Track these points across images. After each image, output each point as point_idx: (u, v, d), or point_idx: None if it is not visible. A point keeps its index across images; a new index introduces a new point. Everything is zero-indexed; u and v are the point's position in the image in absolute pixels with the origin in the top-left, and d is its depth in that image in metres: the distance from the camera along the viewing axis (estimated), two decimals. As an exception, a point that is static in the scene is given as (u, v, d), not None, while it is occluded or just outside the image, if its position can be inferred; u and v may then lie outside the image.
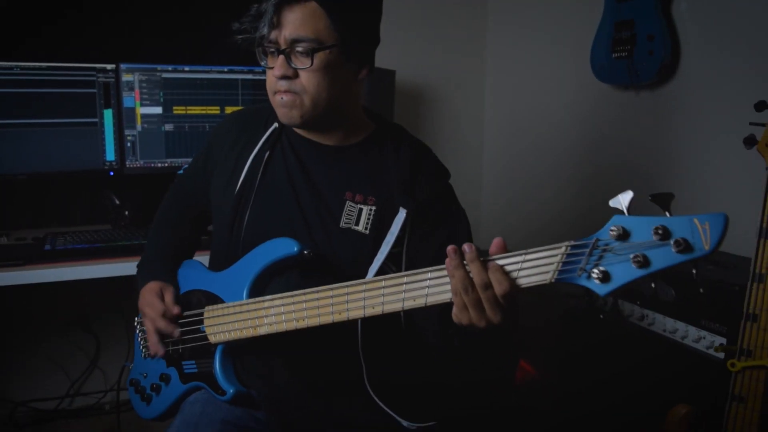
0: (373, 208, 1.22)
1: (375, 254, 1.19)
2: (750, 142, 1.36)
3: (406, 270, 1.16)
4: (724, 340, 1.57)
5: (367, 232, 1.21)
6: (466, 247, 0.92)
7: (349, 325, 1.17)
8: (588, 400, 1.89)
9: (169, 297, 1.31)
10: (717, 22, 1.97)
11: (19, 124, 2.14)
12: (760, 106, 1.37)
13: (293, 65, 1.14)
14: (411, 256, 1.20)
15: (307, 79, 1.14)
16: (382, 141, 1.28)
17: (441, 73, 2.97)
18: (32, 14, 2.25)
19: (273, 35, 1.13)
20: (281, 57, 1.13)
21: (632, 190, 0.85)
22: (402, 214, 1.20)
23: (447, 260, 0.94)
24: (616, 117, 2.36)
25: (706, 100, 2.02)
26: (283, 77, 1.14)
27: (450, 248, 0.93)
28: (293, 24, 1.11)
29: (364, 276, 1.16)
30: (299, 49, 1.12)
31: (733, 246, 1.42)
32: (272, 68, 1.16)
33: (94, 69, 2.20)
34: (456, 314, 0.95)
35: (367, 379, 1.21)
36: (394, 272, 1.18)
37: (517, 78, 2.89)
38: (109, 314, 2.55)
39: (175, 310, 1.29)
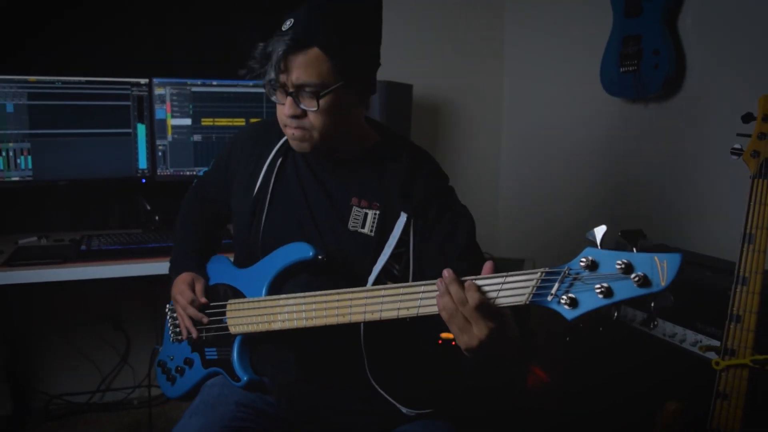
0: (377, 212, 1.31)
1: (379, 254, 1.29)
2: (736, 152, 1.43)
3: (413, 269, 1.28)
4: (718, 343, 1.62)
5: (372, 234, 1.30)
6: (444, 272, 1.02)
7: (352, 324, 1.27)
8: (588, 401, 1.95)
9: (199, 288, 1.44)
10: (721, 36, 2.01)
11: (60, 134, 2.29)
12: (746, 118, 1.44)
13: (302, 106, 1.22)
14: (416, 255, 1.28)
15: (315, 118, 1.22)
16: (384, 150, 1.37)
17: (457, 87, 3.04)
18: (71, 32, 2.41)
19: (281, 79, 1.20)
20: (290, 98, 1.21)
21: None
22: (402, 218, 1.29)
23: (438, 280, 1.03)
24: (625, 129, 2.40)
25: (711, 112, 2.06)
26: (293, 116, 1.23)
27: (444, 270, 1.02)
28: (298, 69, 1.18)
29: (369, 273, 1.26)
30: (306, 90, 1.20)
31: (734, 253, 1.47)
32: (283, 104, 1.24)
33: (128, 83, 2.34)
34: (456, 339, 1.03)
35: (368, 370, 1.30)
36: (397, 270, 1.28)
37: (532, 92, 2.96)
38: (138, 314, 2.69)
39: (203, 300, 1.41)
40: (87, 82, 2.30)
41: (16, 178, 2.26)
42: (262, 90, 2.45)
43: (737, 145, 1.45)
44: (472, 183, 3.03)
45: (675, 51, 2.12)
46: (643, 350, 1.85)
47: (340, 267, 1.30)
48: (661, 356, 1.79)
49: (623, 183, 2.45)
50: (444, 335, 2.06)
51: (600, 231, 0.93)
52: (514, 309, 1.02)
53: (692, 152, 2.15)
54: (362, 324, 1.28)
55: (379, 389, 1.31)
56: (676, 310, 1.79)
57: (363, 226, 1.31)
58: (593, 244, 0.92)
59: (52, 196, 2.48)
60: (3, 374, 2.53)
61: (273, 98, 1.27)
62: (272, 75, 1.21)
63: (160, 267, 2.02)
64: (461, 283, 1.00)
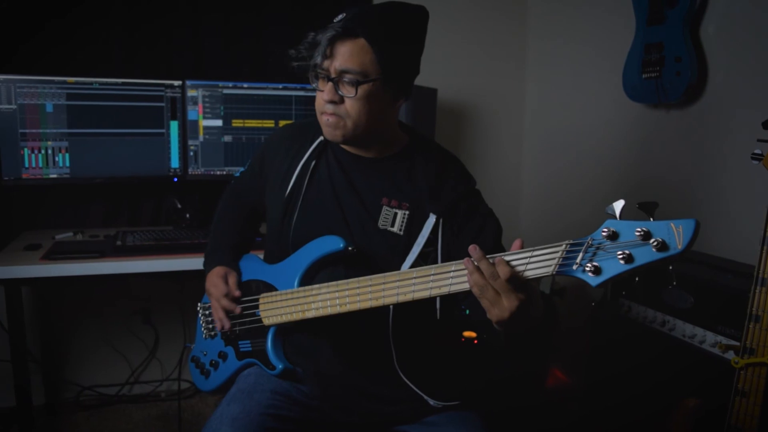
0: (407, 212, 1.37)
1: (407, 253, 1.34)
2: (757, 158, 1.47)
3: None
4: (737, 343, 1.65)
5: (402, 233, 1.36)
6: (471, 249, 1.08)
7: (382, 315, 1.33)
8: (606, 399, 1.98)
9: (232, 281, 1.50)
10: (743, 44, 2.04)
11: (96, 134, 2.37)
12: (767, 124, 1.47)
13: (340, 92, 1.29)
14: (445, 253, 1.33)
15: (351, 105, 1.29)
16: (414, 153, 1.43)
17: (481, 91, 3.08)
18: (108, 36, 2.49)
19: (325, 64, 1.28)
20: (330, 84, 1.29)
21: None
22: (432, 219, 1.34)
23: (466, 259, 1.09)
24: (647, 134, 2.43)
25: (732, 118, 2.08)
26: (331, 101, 1.30)
27: (471, 247, 1.08)
28: (343, 56, 1.26)
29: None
30: (346, 78, 1.27)
31: (754, 256, 1.50)
32: (322, 91, 1.32)
33: (162, 85, 2.42)
34: (488, 313, 1.09)
35: (396, 362, 1.36)
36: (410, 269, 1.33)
37: (555, 96, 3.00)
38: (167, 311, 2.76)
39: (237, 292, 1.48)
40: (123, 83, 2.37)
41: (54, 176, 2.35)
42: (291, 93, 2.51)
43: (758, 151, 1.48)
44: (494, 187, 3.06)
45: (697, 58, 2.15)
46: (661, 351, 1.89)
47: (369, 263, 1.35)
48: (680, 357, 1.82)
49: (644, 187, 2.47)
50: (466, 333, 2.11)
51: (619, 205, 1.00)
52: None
53: (713, 157, 2.17)
54: (391, 317, 1.34)
55: (407, 381, 1.36)
56: (696, 312, 1.82)
57: (392, 225, 1.37)
58: (613, 217, 0.99)
59: (87, 193, 2.55)
60: (37, 365, 2.61)
61: (314, 85, 1.35)
62: (318, 60, 1.28)
63: (192, 263, 2.08)
64: (490, 260, 1.06)
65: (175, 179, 2.48)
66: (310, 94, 2.53)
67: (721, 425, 1.50)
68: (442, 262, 1.33)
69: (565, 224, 2.93)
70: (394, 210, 1.38)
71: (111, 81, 2.37)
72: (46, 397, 2.65)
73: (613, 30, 2.58)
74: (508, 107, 3.16)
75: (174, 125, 2.45)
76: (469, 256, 1.08)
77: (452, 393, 1.40)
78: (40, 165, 2.32)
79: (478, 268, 1.07)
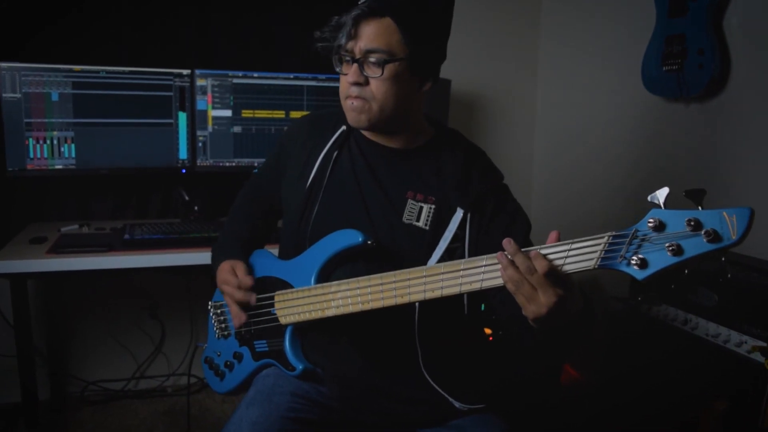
0: (433, 206, 1.31)
1: (433, 248, 1.29)
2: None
3: None
4: (765, 344, 1.62)
5: (427, 228, 1.31)
6: (505, 242, 1.02)
7: (407, 313, 1.28)
8: (630, 401, 1.94)
9: (241, 271, 1.42)
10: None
11: (102, 123, 2.32)
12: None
13: (365, 74, 1.24)
14: (472, 249, 1.29)
15: (377, 87, 1.25)
16: (440, 146, 1.38)
17: (494, 82, 3.04)
18: (116, 23, 2.44)
19: (349, 45, 1.24)
20: (355, 65, 1.24)
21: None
22: (459, 213, 1.30)
23: (499, 253, 1.04)
24: (665, 128, 2.39)
25: (755, 112, 2.05)
26: (356, 84, 1.25)
27: (505, 240, 1.03)
28: (369, 36, 1.22)
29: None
30: (372, 59, 1.23)
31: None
32: (346, 74, 1.27)
33: (171, 74, 2.36)
34: (525, 312, 1.04)
35: (422, 362, 1.31)
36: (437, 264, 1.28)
37: (568, 88, 2.95)
38: (174, 304, 2.72)
39: (249, 281, 1.40)
40: (130, 72, 2.32)
41: (60, 166, 2.29)
42: (303, 83, 2.46)
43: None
44: (505, 180, 3.01)
45: (720, 51, 2.10)
46: (683, 350, 1.85)
47: (392, 259, 1.29)
48: (704, 356, 1.79)
49: (660, 182, 2.41)
50: (486, 330, 2.07)
51: (663, 193, 0.94)
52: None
53: (734, 152, 2.13)
54: (417, 315, 1.29)
55: (433, 383, 1.32)
56: (720, 310, 1.79)
57: (418, 220, 1.32)
58: (657, 206, 0.93)
59: (93, 185, 2.50)
60: (42, 359, 2.56)
61: (338, 69, 1.30)
62: (342, 41, 1.24)
63: (201, 257, 2.04)
64: (526, 253, 1.01)
65: (183, 171, 2.43)
66: (321, 84, 2.48)
67: (748, 427, 1.47)
68: (469, 257, 1.28)
69: (576, 217, 2.90)
70: (420, 204, 1.33)
71: (118, 69, 2.31)
72: (51, 392, 2.61)
73: (630, 21, 2.53)
74: (521, 99, 3.12)
75: (182, 115, 2.40)
76: (502, 250, 1.03)
77: (477, 395, 1.36)
78: (45, 155, 2.27)
79: (512, 263, 1.02)
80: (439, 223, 1.31)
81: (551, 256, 1.01)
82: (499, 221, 1.30)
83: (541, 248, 1.02)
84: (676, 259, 0.90)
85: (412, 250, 1.30)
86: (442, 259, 1.28)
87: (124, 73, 2.32)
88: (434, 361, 1.32)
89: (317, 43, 1.28)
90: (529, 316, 1.04)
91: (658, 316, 1.98)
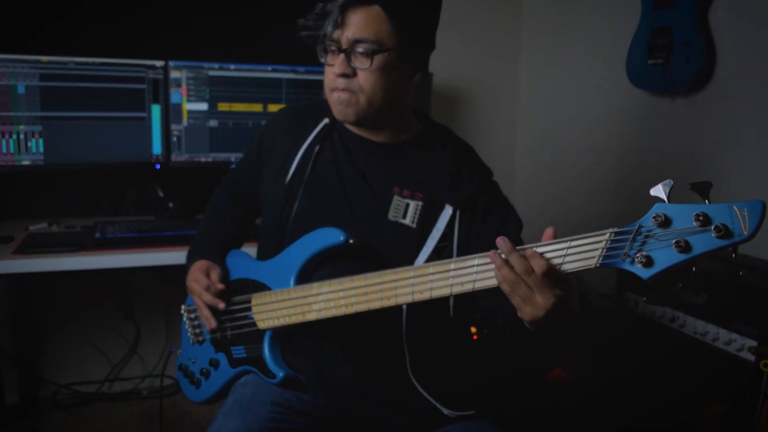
0: (420, 203, 1.26)
1: (421, 248, 1.24)
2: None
3: None
4: (755, 343, 1.60)
5: (414, 225, 1.25)
6: (499, 241, 0.97)
7: (395, 315, 1.22)
8: (618, 400, 1.92)
9: (214, 275, 1.37)
10: (755, 29, 1.97)
11: (72, 117, 2.21)
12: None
13: (353, 64, 1.18)
14: (461, 249, 1.24)
15: (365, 78, 1.19)
16: (429, 140, 1.32)
17: (476, 76, 3.00)
18: (86, 12, 2.33)
19: (336, 34, 1.18)
20: (342, 56, 1.18)
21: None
22: (448, 210, 1.24)
23: (492, 252, 0.98)
24: (649, 123, 2.36)
25: (741, 107, 2.02)
26: (342, 75, 1.19)
27: (499, 239, 0.97)
28: (356, 25, 1.16)
29: (409, 268, 1.21)
30: (360, 49, 1.17)
31: (765, 250, 1.44)
32: (332, 65, 1.21)
33: (144, 65, 2.27)
34: (521, 314, 0.99)
35: (410, 368, 1.25)
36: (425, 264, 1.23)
37: (552, 81, 2.91)
38: (149, 303, 2.64)
39: (220, 286, 1.34)
40: (101, 63, 2.22)
41: (27, 162, 2.19)
42: (281, 75, 2.39)
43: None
44: (487, 174, 2.98)
45: (706, 44, 2.07)
46: (670, 348, 1.82)
47: (377, 259, 1.23)
48: (692, 355, 1.76)
49: (645, 178, 2.40)
50: (471, 329, 2.02)
51: (667, 186, 0.88)
52: None
53: (720, 148, 2.11)
54: (404, 319, 1.24)
55: (420, 389, 1.26)
56: (709, 308, 1.76)
57: (404, 217, 1.27)
58: (661, 200, 0.88)
59: (63, 181, 2.41)
60: (11, 362, 2.47)
61: (323, 60, 1.24)
62: (328, 30, 1.18)
63: (176, 256, 1.95)
64: (521, 253, 0.96)
65: (158, 166, 2.35)
66: (301, 77, 2.41)
67: (743, 428, 1.45)
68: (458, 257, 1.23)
69: (560, 213, 2.86)
70: (407, 200, 1.27)
71: (88, 61, 2.21)
72: (20, 396, 2.52)
73: (615, 13, 2.50)
74: (504, 91, 3.08)
75: (156, 109, 2.31)
76: (495, 249, 0.98)
77: (466, 400, 1.31)
78: (12, 151, 2.17)
79: (507, 263, 0.96)
80: (427, 220, 1.26)
81: (549, 255, 0.96)
82: (491, 221, 1.25)
83: (537, 246, 0.97)
84: (684, 257, 0.85)
85: (398, 249, 1.25)
86: (430, 259, 1.23)
87: (94, 64, 2.22)
88: (422, 366, 1.27)
89: (301, 32, 1.22)
90: (525, 318, 0.99)
91: (645, 314, 1.95)
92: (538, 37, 2.99)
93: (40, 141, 2.19)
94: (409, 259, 1.23)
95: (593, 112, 2.66)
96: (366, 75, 1.19)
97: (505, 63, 3.06)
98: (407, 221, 1.26)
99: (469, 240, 1.24)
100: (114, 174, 2.44)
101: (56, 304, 2.55)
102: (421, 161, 1.30)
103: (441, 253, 1.24)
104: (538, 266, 0.94)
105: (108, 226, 2.14)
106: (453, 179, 1.27)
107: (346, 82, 1.20)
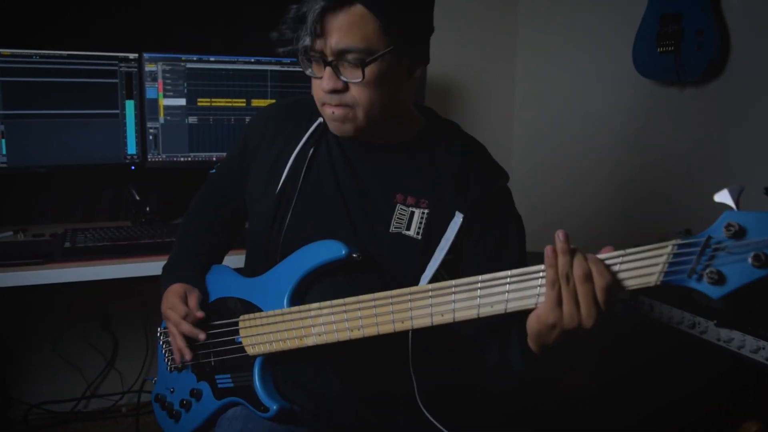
0: (426, 211, 1.14)
1: (427, 261, 1.12)
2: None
3: (451, 278, 1.09)
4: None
5: (419, 237, 1.13)
6: (560, 233, 0.87)
7: (398, 337, 1.09)
8: (640, 410, 1.83)
9: (193, 302, 1.24)
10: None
11: (37, 115, 2.08)
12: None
13: (342, 78, 1.03)
14: (454, 257, 1.13)
15: (359, 92, 1.04)
16: (433, 138, 1.20)
17: (471, 68, 2.90)
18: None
19: (318, 45, 1.02)
20: (328, 69, 1.03)
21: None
22: (458, 218, 1.12)
23: (548, 247, 0.88)
24: (658, 114, 2.28)
25: (755, 97, 1.95)
26: (333, 91, 1.05)
27: (559, 232, 0.87)
28: (339, 32, 1.00)
29: (415, 283, 1.07)
30: (348, 59, 1.02)
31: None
32: (320, 78, 1.06)
33: (116, 58, 2.14)
34: (541, 314, 0.89)
35: (417, 394, 1.13)
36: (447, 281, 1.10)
37: (550, 71, 2.82)
38: (127, 314, 2.51)
39: (199, 314, 1.22)
40: (69, 56, 2.08)
41: (-12, 165, 2.05)
42: (266, 67, 2.26)
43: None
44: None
45: (720, 31, 1.98)
46: (691, 355, 1.73)
47: (379, 275, 1.12)
48: (715, 363, 1.67)
49: (652, 172, 2.32)
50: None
51: (736, 190, 0.79)
52: None
53: (731, 139, 2.04)
54: (410, 342, 1.11)
55: (429, 417, 1.13)
56: (732, 313, 1.66)
57: (408, 228, 1.14)
58: (729, 208, 0.79)
59: (29, 185, 2.26)
60: (-24, 381, 2.31)
61: (308, 72, 1.08)
62: (307, 41, 1.02)
63: (153, 267, 1.82)
64: (584, 257, 0.87)
65: (133, 167, 2.21)
66: (287, 68, 2.28)
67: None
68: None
69: (559, 213, 2.77)
70: (411, 209, 1.15)
71: (54, 53, 2.06)
72: (-13, 417, 2.36)
73: (616, 1, 2.41)
74: (500, 84, 2.97)
75: (130, 105, 2.17)
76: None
77: (474, 426, 1.20)
78: (-29, 153, 2.02)
79: (569, 256, 0.86)
80: (434, 230, 1.13)
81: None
82: (489, 236, 1.14)
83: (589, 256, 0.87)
84: (763, 272, 0.75)
85: (402, 265, 1.13)
86: (437, 274, 1.10)
87: (61, 57, 2.08)
88: (431, 392, 1.15)
89: (277, 48, 1.06)
90: (548, 321, 0.89)
91: (661, 319, 1.85)
92: (537, 27, 2.88)
93: (2, 142, 2.05)
94: (414, 275, 1.11)
95: (596, 106, 2.57)
96: (359, 89, 1.04)
97: (502, 53, 2.96)
98: (411, 233, 1.14)
99: (466, 251, 1.13)
100: (85, 176, 2.30)
101: (24, 316, 2.40)
102: (425, 163, 1.18)
103: (449, 267, 1.13)
104: (601, 278, 0.84)
105: (79, 233, 1.99)
106: (459, 181, 1.15)
107: (338, 98, 1.05)
